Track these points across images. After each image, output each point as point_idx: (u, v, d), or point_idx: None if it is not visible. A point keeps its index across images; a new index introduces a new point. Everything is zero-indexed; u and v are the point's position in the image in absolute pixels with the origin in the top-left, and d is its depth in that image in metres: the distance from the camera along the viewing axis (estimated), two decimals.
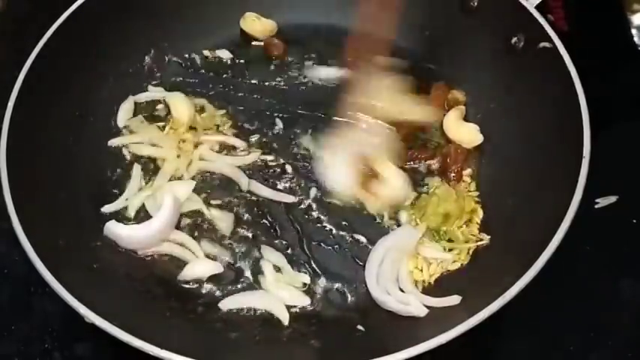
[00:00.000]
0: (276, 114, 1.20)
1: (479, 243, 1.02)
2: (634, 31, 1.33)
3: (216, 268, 1.02)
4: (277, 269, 1.02)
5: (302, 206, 1.09)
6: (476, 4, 1.17)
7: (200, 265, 1.02)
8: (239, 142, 1.16)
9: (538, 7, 1.09)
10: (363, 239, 1.05)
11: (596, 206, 1.11)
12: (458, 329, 0.80)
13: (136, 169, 1.12)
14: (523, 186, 1.03)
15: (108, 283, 0.95)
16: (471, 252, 1.01)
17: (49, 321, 1.03)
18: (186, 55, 1.28)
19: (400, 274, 0.99)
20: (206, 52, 1.28)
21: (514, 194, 1.03)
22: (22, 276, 1.05)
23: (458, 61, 1.22)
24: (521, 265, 0.85)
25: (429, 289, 0.99)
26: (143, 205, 1.08)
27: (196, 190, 1.10)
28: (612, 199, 1.11)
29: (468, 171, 1.11)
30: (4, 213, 0.91)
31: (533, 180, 1.01)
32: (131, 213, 1.08)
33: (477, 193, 1.08)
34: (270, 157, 1.15)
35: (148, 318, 0.92)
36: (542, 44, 1.05)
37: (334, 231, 1.06)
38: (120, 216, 1.07)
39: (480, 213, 1.06)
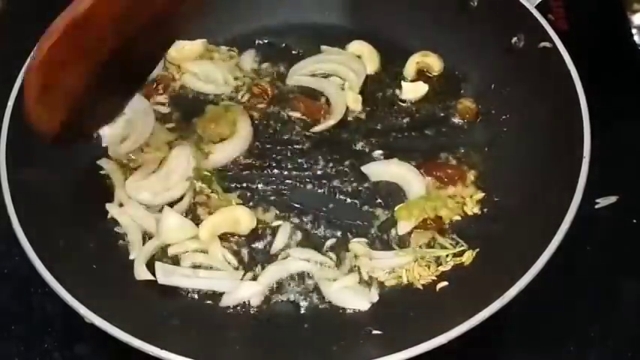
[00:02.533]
0: None
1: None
2: (634, 31, 1.34)
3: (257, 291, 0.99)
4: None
5: None
6: (476, 4, 1.17)
7: (244, 289, 0.99)
8: None
9: (538, 7, 1.09)
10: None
11: (596, 206, 1.11)
12: (458, 329, 0.80)
13: None
14: (523, 186, 1.03)
15: (108, 283, 0.95)
16: (474, 254, 1.01)
17: (49, 321, 1.03)
18: None
19: None
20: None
21: (514, 194, 1.03)
22: (22, 276, 1.05)
23: (457, 61, 1.22)
24: (521, 265, 0.85)
25: (431, 286, 1.00)
26: None
27: None
28: (612, 199, 1.11)
29: (471, 172, 1.11)
30: (4, 213, 0.91)
31: (533, 180, 1.01)
32: None
33: (481, 195, 1.08)
34: None
35: (147, 318, 0.92)
36: (542, 44, 1.05)
37: None
38: None
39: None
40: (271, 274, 1.01)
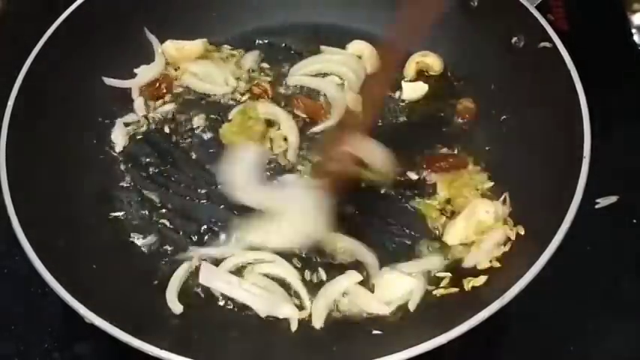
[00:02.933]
0: None
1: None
2: (634, 31, 1.34)
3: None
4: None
5: None
6: (476, 4, 1.17)
7: (287, 309, 0.97)
8: None
9: (538, 7, 1.09)
10: None
11: (596, 206, 1.11)
12: (458, 329, 0.80)
13: None
14: (523, 186, 1.03)
15: (108, 283, 0.95)
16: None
17: (49, 321, 1.03)
18: None
19: None
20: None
21: (514, 194, 1.03)
22: (22, 276, 1.05)
23: (457, 61, 1.22)
24: (521, 265, 0.85)
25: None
26: None
27: None
28: (612, 199, 1.11)
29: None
30: (4, 213, 0.91)
31: (533, 180, 1.01)
32: None
33: (491, 184, 1.08)
34: None
35: (147, 318, 0.92)
36: (542, 44, 1.05)
37: None
38: None
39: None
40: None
